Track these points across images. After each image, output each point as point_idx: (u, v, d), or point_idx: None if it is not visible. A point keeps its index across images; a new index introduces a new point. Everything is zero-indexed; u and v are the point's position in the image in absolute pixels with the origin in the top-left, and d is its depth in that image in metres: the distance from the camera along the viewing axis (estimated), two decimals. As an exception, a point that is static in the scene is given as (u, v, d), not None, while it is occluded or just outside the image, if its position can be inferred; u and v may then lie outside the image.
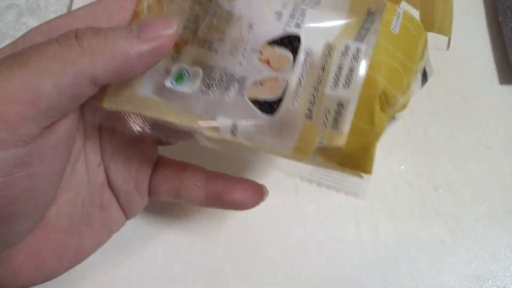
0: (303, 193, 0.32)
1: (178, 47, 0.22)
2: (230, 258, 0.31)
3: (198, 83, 0.21)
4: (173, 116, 0.21)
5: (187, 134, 0.22)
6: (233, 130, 0.21)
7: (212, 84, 0.21)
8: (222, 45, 0.21)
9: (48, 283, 0.23)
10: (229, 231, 0.31)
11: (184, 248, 0.31)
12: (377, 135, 0.20)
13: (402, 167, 0.32)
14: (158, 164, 0.26)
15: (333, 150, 0.20)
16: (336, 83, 0.20)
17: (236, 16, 0.21)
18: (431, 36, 0.23)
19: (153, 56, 0.20)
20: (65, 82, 0.18)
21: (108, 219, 0.25)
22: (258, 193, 0.25)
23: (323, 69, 0.20)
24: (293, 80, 0.20)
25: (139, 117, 0.22)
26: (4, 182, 0.18)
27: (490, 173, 0.32)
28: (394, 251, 0.30)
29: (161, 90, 0.22)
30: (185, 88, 0.21)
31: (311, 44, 0.20)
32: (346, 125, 0.20)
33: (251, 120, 0.21)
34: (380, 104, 0.20)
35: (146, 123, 0.23)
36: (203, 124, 0.21)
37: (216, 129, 0.21)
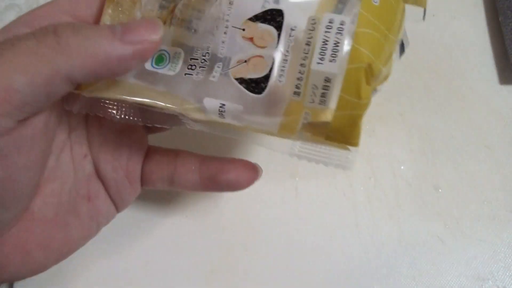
0: (303, 193, 0.32)
1: None
2: (229, 257, 0.31)
3: (180, 64, 0.21)
4: (157, 100, 0.21)
5: (174, 118, 0.22)
6: (221, 110, 0.20)
7: (195, 65, 0.21)
8: (201, 24, 0.21)
9: (42, 278, 0.23)
10: (228, 231, 0.31)
11: (183, 247, 0.31)
12: (363, 108, 0.20)
13: (402, 167, 0.32)
14: (150, 152, 0.26)
15: (320, 125, 0.20)
16: (322, 57, 0.19)
17: None
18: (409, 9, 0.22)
19: (133, 60, 0.19)
20: (39, 80, 0.18)
21: (96, 210, 0.24)
22: (252, 171, 0.24)
23: (308, 44, 0.19)
24: (279, 56, 0.20)
25: (122, 103, 0.22)
26: None
27: (490, 173, 0.32)
28: (394, 251, 0.30)
29: (142, 73, 0.21)
30: (167, 70, 0.21)
31: (294, 18, 0.20)
32: (334, 100, 0.19)
33: (238, 100, 0.20)
34: (365, 77, 0.19)
35: (130, 109, 0.22)
36: (188, 105, 0.21)
37: (202, 110, 0.21)
